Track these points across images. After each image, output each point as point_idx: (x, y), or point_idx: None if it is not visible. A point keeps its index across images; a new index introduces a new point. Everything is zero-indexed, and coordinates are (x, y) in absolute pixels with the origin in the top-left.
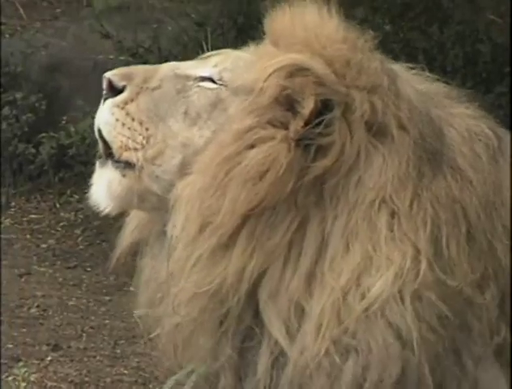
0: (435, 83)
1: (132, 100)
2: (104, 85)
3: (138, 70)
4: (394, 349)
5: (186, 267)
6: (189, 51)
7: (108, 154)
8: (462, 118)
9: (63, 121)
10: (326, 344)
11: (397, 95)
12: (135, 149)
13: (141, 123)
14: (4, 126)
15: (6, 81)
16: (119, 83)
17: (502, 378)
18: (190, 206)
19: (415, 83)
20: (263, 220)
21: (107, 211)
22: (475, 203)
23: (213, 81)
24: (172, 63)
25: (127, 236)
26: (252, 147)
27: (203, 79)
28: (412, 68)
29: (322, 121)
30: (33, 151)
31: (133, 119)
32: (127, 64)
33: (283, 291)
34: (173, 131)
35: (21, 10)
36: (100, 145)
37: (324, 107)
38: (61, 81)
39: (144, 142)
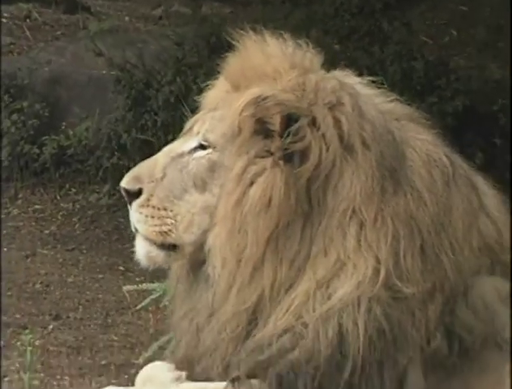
0: (398, 104)
1: (152, 195)
2: (124, 193)
3: (142, 169)
4: (332, 341)
5: (231, 295)
6: (169, 67)
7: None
8: (423, 143)
9: (63, 126)
10: (282, 327)
11: (361, 115)
12: (170, 231)
13: (165, 209)
14: (13, 129)
15: (15, 92)
16: (134, 188)
17: (423, 381)
18: (224, 250)
19: (378, 102)
20: (282, 235)
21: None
22: (428, 221)
23: (203, 147)
24: (166, 149)
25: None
26: (252, 184)
27: (195, 149)
28: (373, 81)
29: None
30: (37, 151)
31: (158, 209)
32: (117, 78)
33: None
34: (193, 202)
35: (27, 32)
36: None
37: (290, 120)
38: (61, 92)
39: (173, 221)
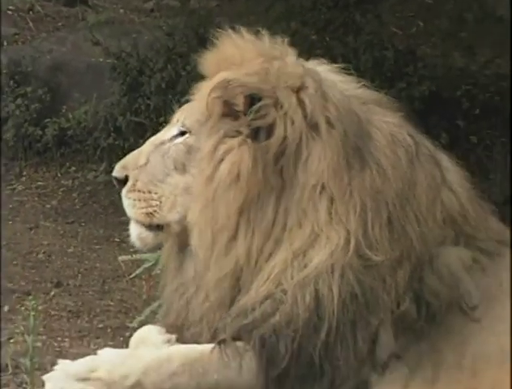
0: (366, 90)
1: (137, 180)
2: (115, 182)
3: (128, 158)
4: (309, 306)
5: (211, 265)
6: (161, 55)
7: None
8: (388, 125)
9: (63, 110)
10: (264, 293)
11: (324, 98)
12: (155, 211)
13: (150, 192)
14: (17, 113)
15: (19, 78)
16: (122, 176)
17: (394, 342)
18: (200, 223)
19: (346, 87)
20: (253, 207)
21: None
22: (393, 195)
23: (182, 133)
24: (151, 139)
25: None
26: (222, 161)
27: (175, 136)
28: (343, 68)
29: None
30: (40, 132)
31: (144, 192)
32: (113, 66)
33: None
34: (174, 184)
35: (31, 24)
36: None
37: (253, 100)
38: (62, 78)
39: (158, 202)
